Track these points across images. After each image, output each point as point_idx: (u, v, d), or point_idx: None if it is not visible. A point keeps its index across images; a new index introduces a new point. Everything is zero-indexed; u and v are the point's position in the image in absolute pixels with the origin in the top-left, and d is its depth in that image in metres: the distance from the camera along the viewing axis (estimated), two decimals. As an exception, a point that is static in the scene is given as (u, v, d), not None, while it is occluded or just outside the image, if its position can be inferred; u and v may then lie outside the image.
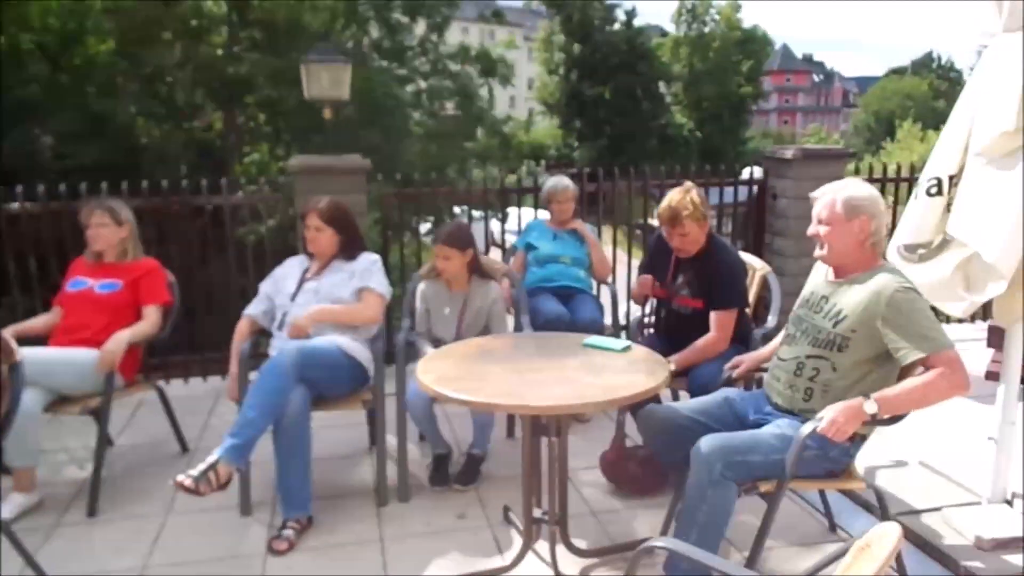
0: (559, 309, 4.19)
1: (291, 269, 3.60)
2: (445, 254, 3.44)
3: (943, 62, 66.01)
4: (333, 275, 3.48)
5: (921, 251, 3.00)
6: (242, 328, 3.56)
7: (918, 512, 3.10)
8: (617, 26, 35.12)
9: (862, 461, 3.57)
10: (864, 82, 79.19)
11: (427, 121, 13.33)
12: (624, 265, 5.67)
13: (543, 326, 4.10)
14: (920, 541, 2.95)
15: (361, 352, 3.35)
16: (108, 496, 3.49)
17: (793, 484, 2.52)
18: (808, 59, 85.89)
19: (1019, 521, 2.92)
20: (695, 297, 3.51)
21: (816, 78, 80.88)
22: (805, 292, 2.84)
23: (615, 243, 5.59)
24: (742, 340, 3.49)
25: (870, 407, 2.36)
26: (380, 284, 3.45)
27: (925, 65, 70.22)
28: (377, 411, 3.40)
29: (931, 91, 58.78)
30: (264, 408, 3.00)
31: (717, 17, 46.20)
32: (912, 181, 5.51)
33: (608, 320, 4.79)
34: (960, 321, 5.70)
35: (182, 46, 11.15)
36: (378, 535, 3.18)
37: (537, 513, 2.83)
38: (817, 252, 2.69)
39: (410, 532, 3.20)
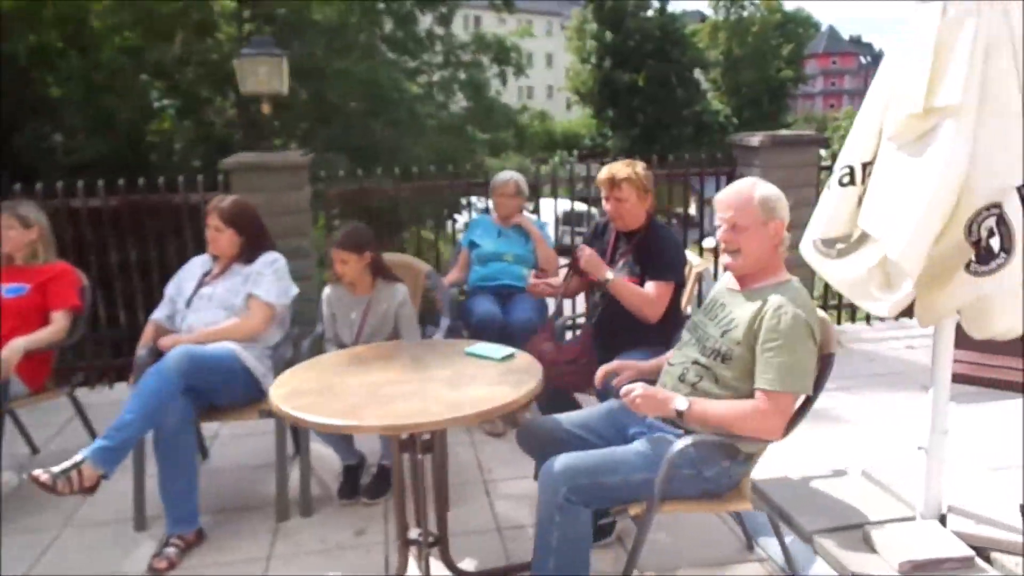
0: (492, 310, 3.99)
1: (193, 270, 3.46)
2: (341, 258, 3.26)
3: (996, 40, 63.83)
4: (230, 279, 3.32)
5: (840, 246, 2.73)
6: (147, 333, 3.43)
7: (836, 529, 2.83)
8: (650, 12, 34.53)
9: (797, 469, 3.37)
10: (914, 63, 76.89)
11: (437, 113, 13.14)
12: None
13: (475, 327, 3.96)
14: (832, 561, 2.69)
15: (252, 362, 3.18)
16: (15, 506, 3.41)
17: (668, 507, 2.30)
18: (856, 41, 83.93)
19: (945, 541, 2.64)
20: (632, 275, 3.34)
21: (863, 60, 78.82)
22: (708, 298, 2.63)
23: None
24: (665, 342, 3.25)
25: (680, 404, 2.24)
26: (268, 291, 3.27)
27: (977, 44, 68.02)
28: (278, 421, 3.24)
29: (983, 70, 56.73)
30: (141, 411, 2.84)
31: (757, 0, 45.30)
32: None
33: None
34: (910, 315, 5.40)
35: (182, 41, 11.10)
36: (268, 553, 3.02)
37: (414, 534, 2.63)
38: (728, 260, 2.46)
39: (302, 550, 3.04)
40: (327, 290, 3.47)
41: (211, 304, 3.27)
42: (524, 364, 2.60)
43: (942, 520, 2.80)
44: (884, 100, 2.57)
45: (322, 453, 3.55)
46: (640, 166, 3.36)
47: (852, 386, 4.53)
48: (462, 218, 7.36)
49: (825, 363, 2.36)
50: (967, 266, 2.36)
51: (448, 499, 2.67)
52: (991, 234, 2.30)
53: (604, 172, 3.39)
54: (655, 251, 3.34)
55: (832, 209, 2.67)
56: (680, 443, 2.21)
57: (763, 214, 2.37)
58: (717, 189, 5.31)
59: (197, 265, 3.47)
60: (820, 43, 72.78)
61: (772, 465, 3.44)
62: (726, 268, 2.50)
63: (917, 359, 4.96)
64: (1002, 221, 2.28)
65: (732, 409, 2.25)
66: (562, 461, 2.22)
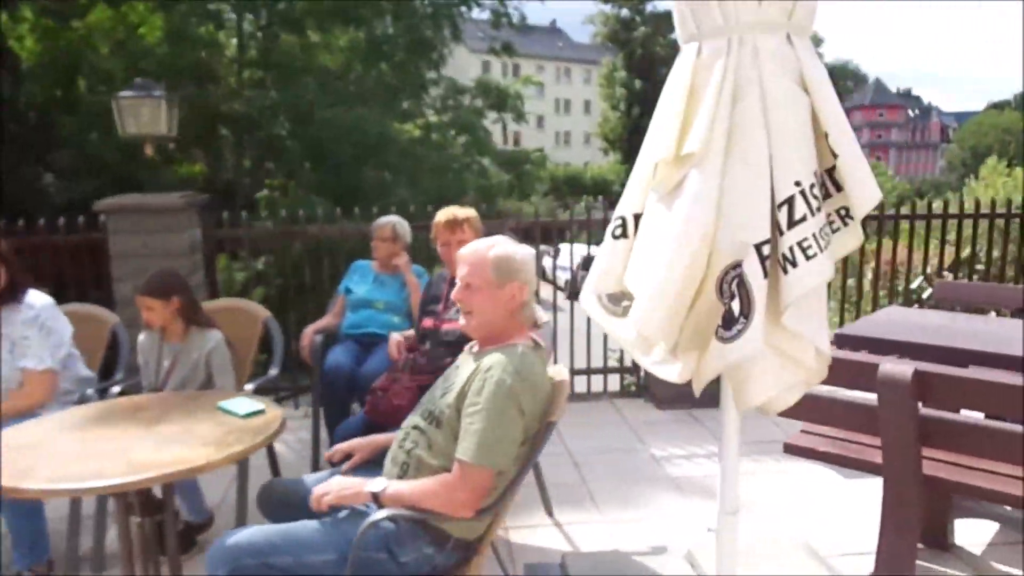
0: (340, 361, 3.83)
1: None
2: (146, 304, 3.12)
3: (1049, 96, 62.62)
4: None
5: (625, 303, 2.50)
6: None
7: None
8: (682, 62, 34.51)
9: (620, 543, 3.12)
10: (964, 117, 75.82)
11: (431, 155, 13.13)
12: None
13: (324, 376, 3.81)
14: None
15: None
16: None
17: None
18: (905, 94, 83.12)
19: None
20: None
21: (911, 113, 77.86)
22: None
23: None
24: None
25: (375, 486, 2.04)
26: (40, 357, 3.03)
27: (1029, 98, 66.86)
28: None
29: (1031, 125, 55.52)
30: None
31: (794, 52, 44.97)
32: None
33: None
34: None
35: (167, 86, 11.28)
36: (34, 612, 2.86)
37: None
38: (461, 321, 2.30)
39: (69, 610, 2.87)
40: (141, 336, 3.34)
41: None
42: (260, 424, 2.41)
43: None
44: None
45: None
46: (475, 215, 3.45)
47: (748, 452, 4.24)
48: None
49: (545, 430, 2.15)
50: (717, 331, 2.14)
51: (180, 564, 2.46)
52: (732, 296, 2.07)
53: (443, 214, 3.40)
54: None
55: (605, 264, 2.45)
56: (370, 518, 1.99)
57: (496, 276, 2.21)
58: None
59: None
60: (866, 95, 72.24)
61: (617, 537, 3.25)
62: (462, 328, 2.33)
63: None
64: (742, 282, 2.05)
65: (424, 486, 2.04)
66: (235, 538, 2.03)
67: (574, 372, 5.25)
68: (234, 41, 13.50)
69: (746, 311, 2.04)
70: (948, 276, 8.75)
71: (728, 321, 2.08)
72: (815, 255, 2.02)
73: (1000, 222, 5.86)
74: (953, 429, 2.64)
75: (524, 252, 2.28)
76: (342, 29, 13.28)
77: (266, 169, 13.71)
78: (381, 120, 11.99)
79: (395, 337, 3.52)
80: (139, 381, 3.39)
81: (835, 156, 2.11)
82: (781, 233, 2.05)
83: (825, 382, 2.86)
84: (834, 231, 2.20)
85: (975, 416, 2.79)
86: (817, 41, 45.14)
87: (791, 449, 3.14)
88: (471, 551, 2.16)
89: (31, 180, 11.30)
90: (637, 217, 2.39)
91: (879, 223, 5.68)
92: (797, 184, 2.04)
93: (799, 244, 2.02)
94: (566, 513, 3.51)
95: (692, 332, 2.22)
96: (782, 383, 2.21)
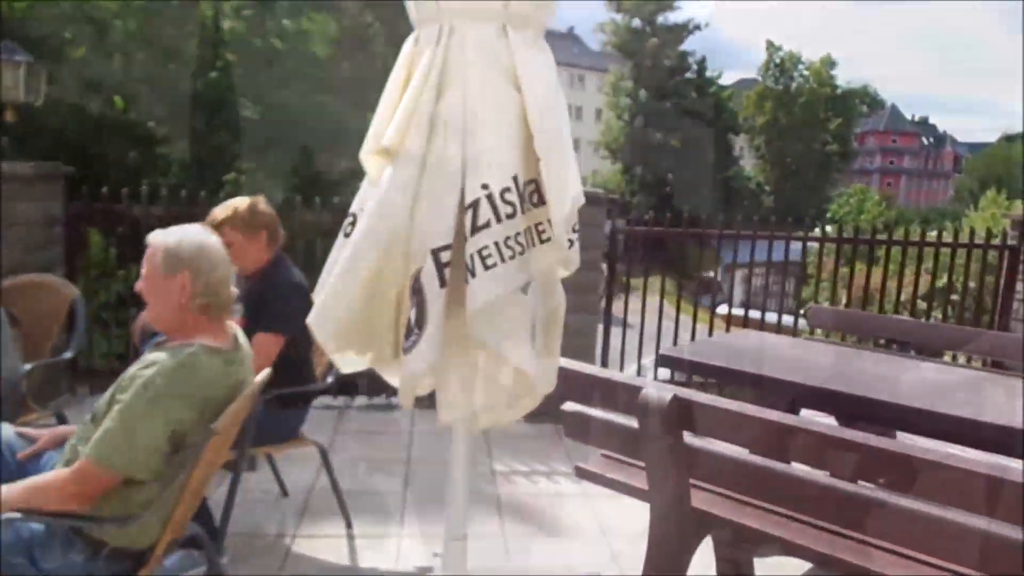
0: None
1: None
2: None
3: (1068, 130, 62.01)
4: None
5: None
6: None
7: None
8: (689, 75, 34.34)
9: (405, 560, 2.97)
10: (978, 148, 75.25)
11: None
12: (671, 319, 5.38)
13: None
14: None
15: None
16: None
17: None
18: (921, 122, 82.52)
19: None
20: (242, 317, 3.00)
21: (925, 141, 77.30)
22: None
23: (663, 294, 5.40)
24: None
25: None
26: None
27: (1047, 131, 66.26)
28: None
29: (1044, 159, 54.98)
30: None
31: (806, 73, 44.72)
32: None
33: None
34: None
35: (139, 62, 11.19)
36: None
37: None
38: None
39: None
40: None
41: None
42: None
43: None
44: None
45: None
46: (246, 205, 3.12)
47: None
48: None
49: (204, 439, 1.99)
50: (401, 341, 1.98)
51: None
52: (412, 305, 1.91)
53: (208, 216, 3.16)
54: (265, 298, 3.07)
55: (332, 262, 2.30)
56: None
57: (164, 266, 2.07)
58: (751, 255, 5.12)
59: None
60: (881, 121, 71.76)
61: (404, 553, 3.10)
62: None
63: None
64: (420, 291, 1.89)
65: (37, 481, 1.91)
66: None
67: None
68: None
69: (419, 322, 1.88)
70: (922, 304, 8.45)
71: (407, 331, 1.92)
72: (495, 265, 1.85)
73: (981, 252, 5.71)
74: (710, 461, 2.47)
75: (197, 241, 2.13)
76: (323, 16, 13.14)
77: (235, 152, 13.60)
78: (344, 109, 11.82)
79: None
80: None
81: (538, 160, 1.95)
82: (466, 239, 1.89)
83: (596, 405, 2.73)
84: (544, 241, 2.04)
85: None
86: (831, 63, 44.86)
87: (582, 473, 2.98)
88: (138, 562, 2.01)
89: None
90: (367, 213, 2.23)
91: (853, 247, 5.52)
92: (484, 187, 1.87)
93: (479, 252, 1.85)
94: (368, 525, 3.35)
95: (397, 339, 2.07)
96: (481, 401, 2.05)
